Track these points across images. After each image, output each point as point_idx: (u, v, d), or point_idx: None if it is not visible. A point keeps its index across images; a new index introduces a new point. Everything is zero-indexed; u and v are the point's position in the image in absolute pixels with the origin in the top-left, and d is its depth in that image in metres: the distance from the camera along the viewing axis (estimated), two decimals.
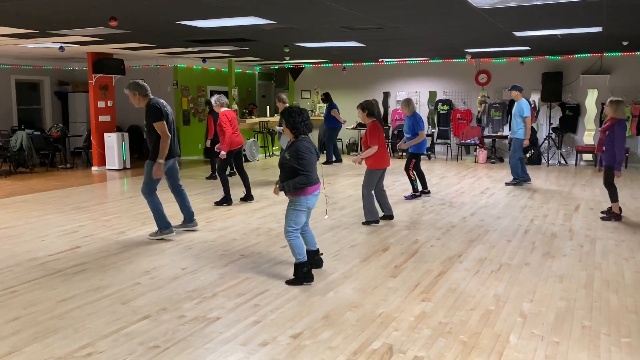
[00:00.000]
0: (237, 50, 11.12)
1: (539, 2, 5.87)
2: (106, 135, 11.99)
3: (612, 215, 7.12)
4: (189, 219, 6.53)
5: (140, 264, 5.25)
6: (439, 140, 14.37)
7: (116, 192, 9.32)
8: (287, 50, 10.65)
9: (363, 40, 9.45)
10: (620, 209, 7.14)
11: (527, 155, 13.01)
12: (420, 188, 8.67)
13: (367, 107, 6.79)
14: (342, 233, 6.43)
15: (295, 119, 4.51)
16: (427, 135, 14.22)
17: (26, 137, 11.15)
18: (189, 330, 3.72)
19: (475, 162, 13.44)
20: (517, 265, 5.17)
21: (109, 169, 11.97)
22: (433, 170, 11.95)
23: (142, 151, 14.14)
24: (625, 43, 9.99)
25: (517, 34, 8.57)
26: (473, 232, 6.46)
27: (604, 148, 6.98)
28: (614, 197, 7.13)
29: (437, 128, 14.40)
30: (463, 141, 13.73)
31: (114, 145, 11.95)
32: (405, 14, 6.74)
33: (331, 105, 13.33)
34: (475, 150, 13.69)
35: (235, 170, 8.90)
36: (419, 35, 8.74)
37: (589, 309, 4.11)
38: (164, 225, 6.17)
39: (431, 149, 14.39)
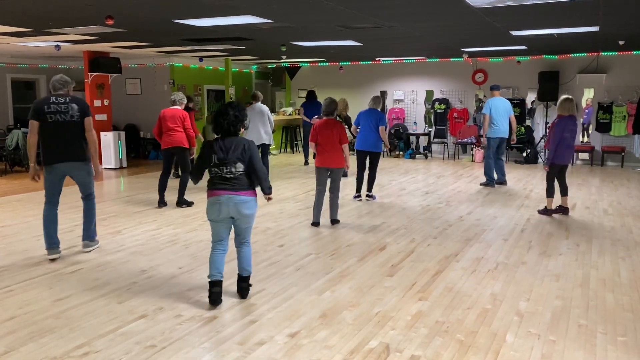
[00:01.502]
0: (234, 49, 11.10)
1: (535, 2, 5.87)
2: (102, 134, 11.94)
3: (556, 210, 7.33)
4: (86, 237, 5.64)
5: (137, 263, 5.24)
6: (436, 139, 14.38)
7: (112, 191, 9.29)
8: (284, 49, 10.64)
9: (360, 39, 9.44)
10: (550, 209, 7.33)
11: (524, 154, 13.05)
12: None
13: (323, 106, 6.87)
14: (338, 232, 6.43)
15: (216, 117, 4.14)
16: (424, 135, 14.37)
17: (22, 136, 11.10)
18: (185, 330, 3.71)
19: (472, 161, 13.45)
20: (514, 264, 5.18)
21: (105, 168, 11.93)
22: (430, 169, 11.96)
23: (138, 150, 14.10)
24: (621, 42, 10.01)
25: (514, 33, 8.58)
26: (469, 231, 6.46)
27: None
28: (550, 192, 7.29)
29: (433, 127, 14.41)
30: (460, 140, 13.74)
31: (110, 144, 11.92)
32: (402, 13, 6.74)
33: (303, 104, 13.09)
34: (472, 149, 13.71)
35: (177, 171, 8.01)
36: (416, 34, 8.74)
37: (585, 307, 4.12)
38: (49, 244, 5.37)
39: (428, 147, 14.41)
